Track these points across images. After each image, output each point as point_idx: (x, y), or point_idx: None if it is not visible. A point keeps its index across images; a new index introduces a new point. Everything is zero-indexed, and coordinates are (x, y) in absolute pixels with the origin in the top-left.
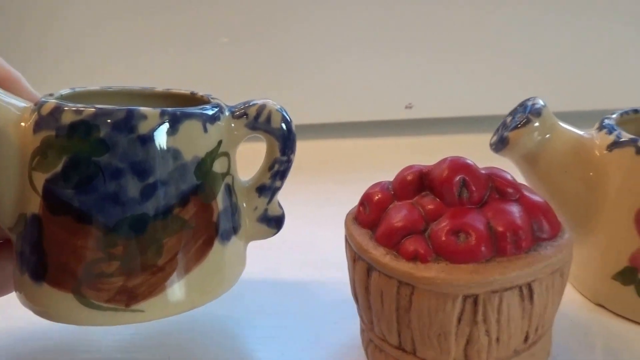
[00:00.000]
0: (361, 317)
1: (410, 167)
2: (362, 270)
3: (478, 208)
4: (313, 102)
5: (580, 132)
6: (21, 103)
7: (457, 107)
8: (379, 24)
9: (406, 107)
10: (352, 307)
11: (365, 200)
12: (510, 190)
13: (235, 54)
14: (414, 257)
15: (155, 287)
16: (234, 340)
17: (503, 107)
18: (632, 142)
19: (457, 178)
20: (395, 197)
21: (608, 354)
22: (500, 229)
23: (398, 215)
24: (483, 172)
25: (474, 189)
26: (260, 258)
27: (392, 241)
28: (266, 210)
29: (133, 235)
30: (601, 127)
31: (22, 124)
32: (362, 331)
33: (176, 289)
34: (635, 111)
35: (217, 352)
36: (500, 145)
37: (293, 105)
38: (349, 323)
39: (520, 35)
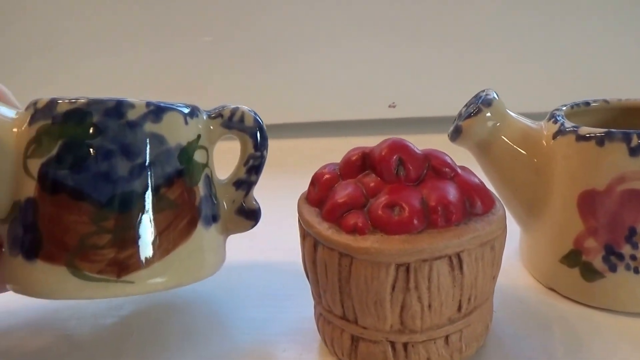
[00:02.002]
0: (312, 292)
1: (355, 148)
2: (310, 245)
3: (415, 185)
4: (296, 100)
5: (530, 122)
6: (12, 111)
7: (440, 106)
8: (363, 23)
9: (390, 106)
10: (306, 286)
11: (315, 180)
12: (446, 169)
13: (217, 53)
14: (353, 230)
15: (145, 259)
16: (196, 317)
17: None
18: (573, 129)
19: (395, 157)
20: (341, 176)
21: (550, 334)
22: (432, 203)
23: (341, 192)
24: (420, 152)
25: (410, 167)
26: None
27: (335, 216)
28: (243, 203)
29: (124, 210)
30: (550, 117)
31: (15, 129)
32: (314, 306)
33: (163, 264)
34: (586, 103)
35: (178, 328)
36: (455, 134)
37: (276, 104)
38: (303, 300)
39: (505, 35)
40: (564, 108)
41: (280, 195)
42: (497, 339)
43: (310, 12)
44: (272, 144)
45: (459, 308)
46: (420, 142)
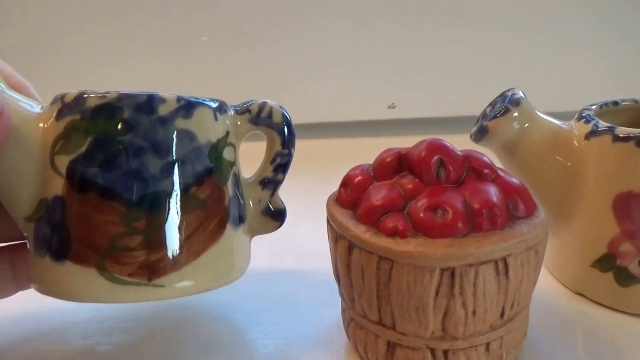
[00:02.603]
0: (342, 296)
1: (389, 149)
2: (344, 248)
3: (455, 187)
4: (295, 102)
5: (559, 123)
6: (37, 105)
7: (440, 107)
8: (363, 23)
9: (389, 107)
10: (332, 292)
11: (346, 181)
12: (486, 171)
13: (218, 55)
14: (393, 233)
15: (176, 262)
16: (221, 324)
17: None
18: (609, 130)
19: (435, 158)
20: (375, 178)
21: (586, 341)
22: (476, 206)
23: (378, 194)
24: (460, 153)
25: (451, 168)
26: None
27: (372, 219)
28: (269, 203)
29: (155, 211)
30: (580, 118)
31: (41, 124)
32: (343, 311)
33: (193, 267)
34: (615, 103)
35: (204, 335)
36: (480, 135)
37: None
38: (330, 307)
39: (506, 35)
40: (593, 107)
41: (286, 197)
42: (532, 346)
43: (309, 12)
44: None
45: (502, 314)
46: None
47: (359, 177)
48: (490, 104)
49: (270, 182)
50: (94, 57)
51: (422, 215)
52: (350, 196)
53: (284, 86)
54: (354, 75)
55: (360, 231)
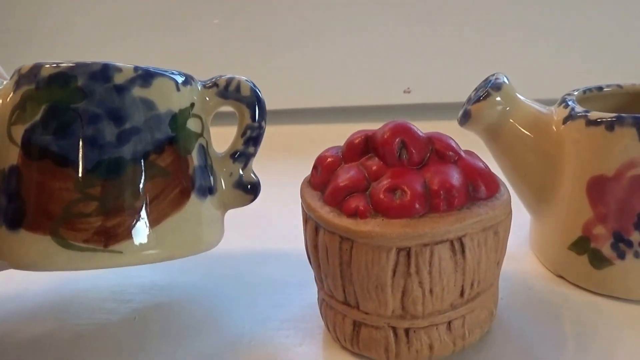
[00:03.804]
0: (315, 278)
1: (358, 131)
2: (312, 229)
3: (417, 169)
4: (309, 85)
5: (540, 107)
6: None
7: (456, 92)
8: (377, 6)
9: (405, 92)
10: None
11: (318, 163)
12: (450, 153)
13: (226, 36)
14: (354, 214)
15: (134, 229)
16: (200, 305)
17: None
18: (583, 114)
19: (397, 140)
20: (344, 159)
21: (557, 322)
22: (434, 187)
23: (344, 175)
24: (424, 135)
25: (413, 150)
26: (233, 231)
27: (337, 200)
28: (241, 176)
29: (111, 177)
30: (560, 102)
31: (0, 101)
32: (317, 292)
33: (154, 234)
34: (599, 88)
35: (183, 317)
36: (464, 119)
37: (289, 89)
38: (308, 288)
39: (521, 19)
40: (576, 93)
41: (290, 182)
42: (503, 325)
43: None
44: (284, 130)
45: (462, 294)
46: (435, 128)
47: (329, 159)
48: (475, 89)
49: (242, 155)
50: (104, 38)
51: (381, 196)
52: (320, 178)
53: (298, 70)
54: (368, 59)
55: (324, 212)
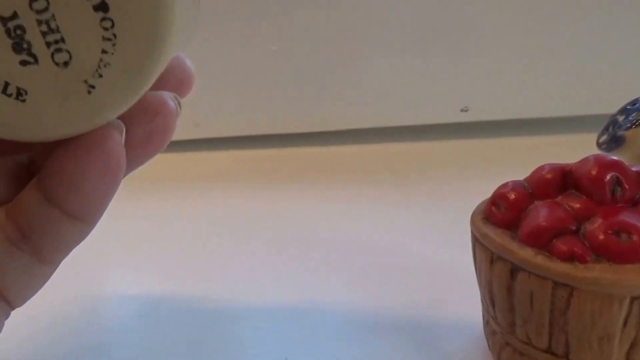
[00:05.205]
0: (494, 318)
1: (543, 166)
2: (504, 271)
3: (630, 207)
4: (363, 105)
5: None
6: None
7: (517, 108)
8: (431, 22)
9: (462, 111)
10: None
11: (499, 199)
12: None
13: (283, 60)
14: (570, 257)
15: None
16: (349, 340)
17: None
18: None
19: (609, 176)
20: (533, 196)
21: None
22: None
23: (543, 214)
24: (633, 170)
25: (626, 187)
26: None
27: (541, 241)
28: None
29: None
30: None
31: None
32: (493, 334)
33: None
34: None
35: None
36: (614, 144)
37: (342, 110)
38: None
39: (587, 32)
40: None
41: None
42: None
43: (378, 13)
44: (343, 151)
45: None
46: (494, 146)
47: (513, 195)
48: (620, 112)
49: None
50: None
51: (602, 238)
52: (506, 215)
53: (354, 89)
54: (423, 76)
55: (528, 254)
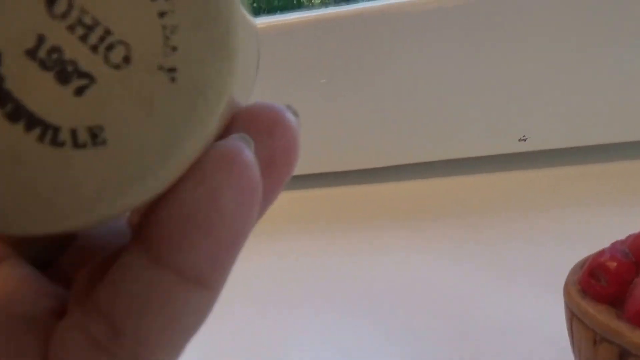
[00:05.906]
0: None
1: None
2: (611, 353)
3: None
4: (419, 138)
5: None
6: None
7: (577, 135)
8: (487, 49)
9: (520, 140)
10: None
11: (597, 270)
12: None
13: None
14: None
15: None
16: None
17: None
18: None
19: None
20: (638, 266)
21: None
22: None
23: None
24: None
25: None
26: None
27: None
28: None
29: None
30: None
31: None
32: None
33: None
34: None
35: None
36: None
37: (396, 144)
38: None
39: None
40: None
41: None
42: None
43: (431, 47)
44: (393, 188)
45: None
46: (552, 175)
47: (615, 265)
48: None
49: None
50: None
51: None
52: (607, 289)
53: (403, 122)
54: (479, 106)
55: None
